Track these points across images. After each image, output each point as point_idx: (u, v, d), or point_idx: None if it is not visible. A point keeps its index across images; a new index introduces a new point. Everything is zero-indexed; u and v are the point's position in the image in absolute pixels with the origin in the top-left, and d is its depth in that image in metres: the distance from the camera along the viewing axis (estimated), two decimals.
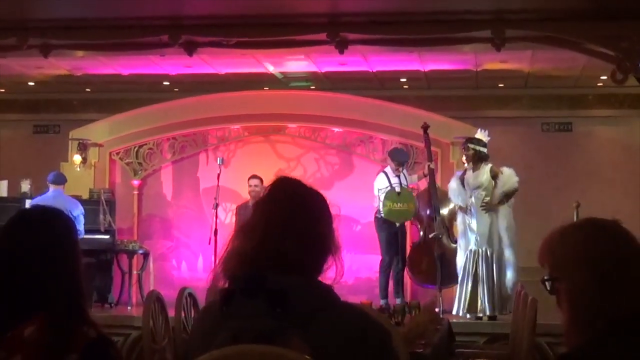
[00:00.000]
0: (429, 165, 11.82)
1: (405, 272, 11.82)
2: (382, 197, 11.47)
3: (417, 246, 11.64)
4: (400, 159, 11.77)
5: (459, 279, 10.69)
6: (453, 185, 10.86)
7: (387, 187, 11.55)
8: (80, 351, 2.76)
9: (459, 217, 10.86)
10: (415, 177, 12.09)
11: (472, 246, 10.61)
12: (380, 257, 11.81)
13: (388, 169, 11.77)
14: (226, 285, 2.42)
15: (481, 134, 10.88)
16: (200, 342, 2.40)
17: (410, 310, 8.32)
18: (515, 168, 10.88)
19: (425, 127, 11.95)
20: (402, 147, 12.47)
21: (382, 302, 11.18)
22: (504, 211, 10.66)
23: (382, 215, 11.44)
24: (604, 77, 12.92)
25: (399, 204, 11.39)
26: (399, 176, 11.64)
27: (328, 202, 2.57)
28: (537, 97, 15.14)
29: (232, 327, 2.29)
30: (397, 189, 11.41)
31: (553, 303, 2.50)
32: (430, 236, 11.45)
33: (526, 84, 14.79)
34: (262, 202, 2.55)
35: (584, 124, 15.03)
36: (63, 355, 2.75)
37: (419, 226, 11.74)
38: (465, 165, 10.83)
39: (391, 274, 11.74)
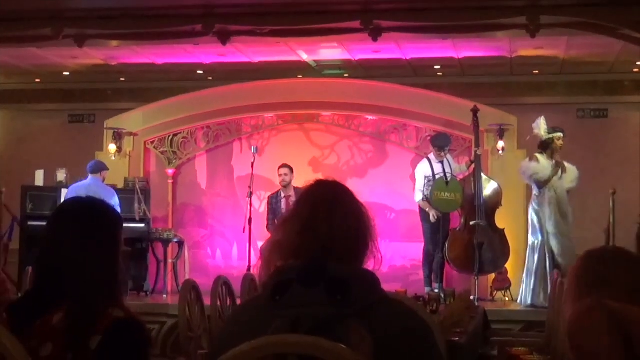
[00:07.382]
0: (475, 152, 11.71)
1: None
2: (428, 185, 11.43)
3: (457, 232, 11.56)
4: (438, 143, 11.65)
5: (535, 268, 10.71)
6: (543, 161, 10.77)
7: (429, 174, 11.49)
8: (104, 332, 2.76)
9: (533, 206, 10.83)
10: (463, 166, 11.99)
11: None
12: (422, 245, 11.79)
13: (432, 156, 11.70)
14: (272, 275, 2.41)
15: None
16: (246, 333, 2.28)
17: (445, 298, 8.31)
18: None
19: (475, 110, 11.80)
20: (444, 133, 12.24)
21: (426, 289, 11.10)
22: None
23: (431, 203, 11.38)
24: None
25: (446, 194, 11.32)
26: (442, 162, 11.56)
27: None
28: (572, 84, 15.02)
29: (290, 314, 2.27)
30: (445, 178, 11.36)
31: None
32: (472, 223, 11.38)
33: (561, 70, 14.67)
34: (304, 196, 2.58)
35: (619, 110, 14.90)
36: (87, 337, 2.75)
37: (461, 212, 11.66)
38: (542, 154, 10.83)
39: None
